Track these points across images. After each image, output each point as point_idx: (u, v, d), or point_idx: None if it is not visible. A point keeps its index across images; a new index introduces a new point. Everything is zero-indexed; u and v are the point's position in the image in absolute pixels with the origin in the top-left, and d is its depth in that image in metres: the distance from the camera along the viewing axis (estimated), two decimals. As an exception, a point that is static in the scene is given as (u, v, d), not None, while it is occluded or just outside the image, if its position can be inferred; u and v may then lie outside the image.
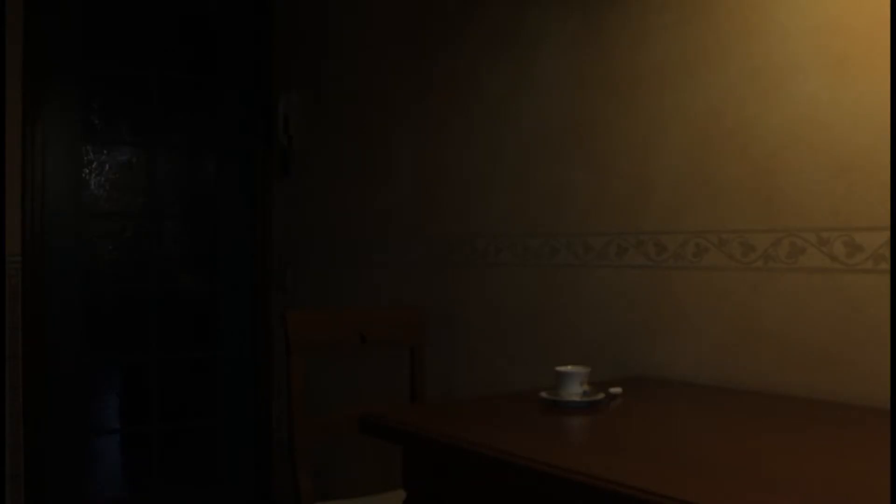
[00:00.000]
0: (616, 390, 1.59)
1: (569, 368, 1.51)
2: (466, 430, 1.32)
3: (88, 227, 3.03)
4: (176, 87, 3.25)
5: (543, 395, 1.50)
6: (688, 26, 1.86)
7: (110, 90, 3.11)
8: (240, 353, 3.38)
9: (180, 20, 3.26)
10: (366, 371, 2.77)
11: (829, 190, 1.61)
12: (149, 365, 3.18)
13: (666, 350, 1.89)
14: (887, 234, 1.51)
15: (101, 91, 3.07)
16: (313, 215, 3.13)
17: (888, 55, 1.50)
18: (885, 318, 1.50)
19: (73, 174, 2.98)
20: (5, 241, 2.68)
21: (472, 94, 2.43)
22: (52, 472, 2.86)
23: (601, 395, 1.50)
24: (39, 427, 2.80)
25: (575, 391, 1.48)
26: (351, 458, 2.83)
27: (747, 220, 1.74)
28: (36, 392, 2.79)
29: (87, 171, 3.04)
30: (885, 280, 1.51)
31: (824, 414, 1.47)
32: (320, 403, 2.46)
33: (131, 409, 3.24)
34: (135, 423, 3.21)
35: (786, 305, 1.67)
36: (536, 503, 1.14)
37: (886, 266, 1.51)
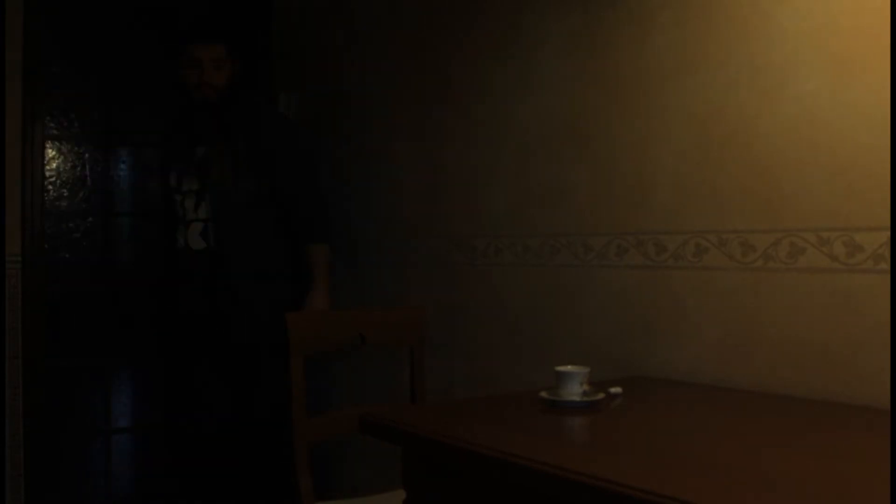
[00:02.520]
0: (616, 390, 1.59)
1: (569, 368, 1.51)
2: (466, 429, 1.32)
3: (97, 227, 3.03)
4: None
5: (543, 395, 1.50)
6: (688, 26, 1.86)
7: (110, 92, 3.10)
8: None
9: (179, 21, 3.25)
10: (366, 371, 2.77)
11: (829, 190, 1.61)
12: (150, 367, 3.18)
13: (666, 350, 1.89)
14: (887, 234, 1.51)
15: (101, 93, 3.07)
16: (313, 215, 3.13)
17: (888, 55, 1.50)
18: (885, 318, 1.50)
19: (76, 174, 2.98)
20: (5, 241, 2.68)
21: (471, 94, 2.43)
22: (52, 472, 2.86)
23: (601, 395, 1.50)
24: (39, 427, 2.80)
25: (575, 391, 1.48)
26: (351, 458, 2.83)
27: (747, 220, 1.74)
28: (36, 392, 2.79)
29: (87, 170, 3.04)
30: (885, 280, 1.51)
31: (824, 414, 1.47)
32: (320, 403, 2.46)
33: (132, 410, 3.24)
34: (136, 422, 3.21)
35: (786, 305, 1.67)
36: (536, 503, 1.14)
37: (886, 266, 1.51)
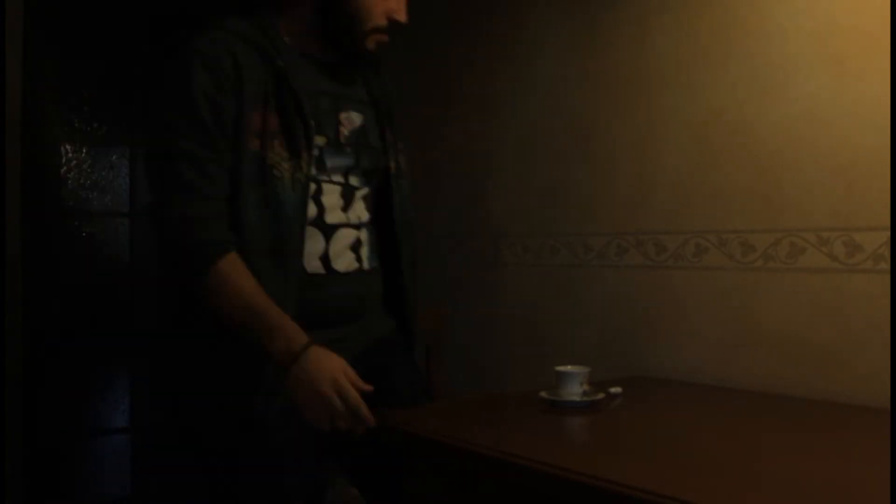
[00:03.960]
0: (616, 390, 1.59)
1: (569, 368, 1.51)
2: (466, 429, 1.32)
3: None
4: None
5: (543, 395, 1.50)
6: (688, 27, 1.86)
7: (111, 91, 3.11)
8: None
9: (181, 21, 3.26)
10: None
11: (829, 190, 1.61)
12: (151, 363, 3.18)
13: (666, 350, 1.89)
14: (887, 234, 1.51)
15: (102, 92, 3.07)
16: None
17: (888, 55, 1.50)
18: (885, 318, 1.50)
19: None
20: (6, 241, 2.68)
21: (472, 95, 2.43)
22: (52, 472, 2.86)
23: (601, 395, 1.50)
24: (39, 427, 2.80)
25: (575, 391, 1.48)
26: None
27: (747, 220, 1.74)
28: (36, 392, 2.79)
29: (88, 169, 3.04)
30: (885, 280, 1.51)
31: (824, 414, 1.47)
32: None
33: (132, 409, 3.24)
34: (136, 422, 3.21)
35: (786, 305, 1.67)
36: (536, 503, 1.14)
37: (886, 266, 1.51)
